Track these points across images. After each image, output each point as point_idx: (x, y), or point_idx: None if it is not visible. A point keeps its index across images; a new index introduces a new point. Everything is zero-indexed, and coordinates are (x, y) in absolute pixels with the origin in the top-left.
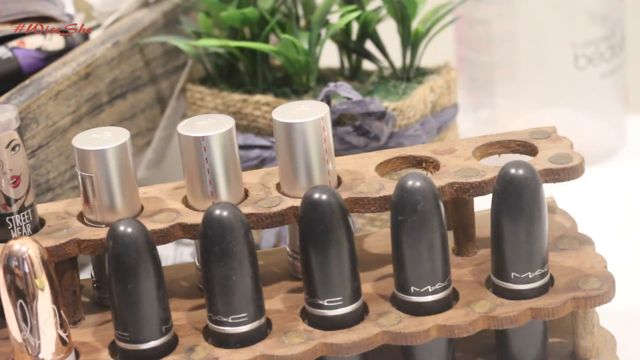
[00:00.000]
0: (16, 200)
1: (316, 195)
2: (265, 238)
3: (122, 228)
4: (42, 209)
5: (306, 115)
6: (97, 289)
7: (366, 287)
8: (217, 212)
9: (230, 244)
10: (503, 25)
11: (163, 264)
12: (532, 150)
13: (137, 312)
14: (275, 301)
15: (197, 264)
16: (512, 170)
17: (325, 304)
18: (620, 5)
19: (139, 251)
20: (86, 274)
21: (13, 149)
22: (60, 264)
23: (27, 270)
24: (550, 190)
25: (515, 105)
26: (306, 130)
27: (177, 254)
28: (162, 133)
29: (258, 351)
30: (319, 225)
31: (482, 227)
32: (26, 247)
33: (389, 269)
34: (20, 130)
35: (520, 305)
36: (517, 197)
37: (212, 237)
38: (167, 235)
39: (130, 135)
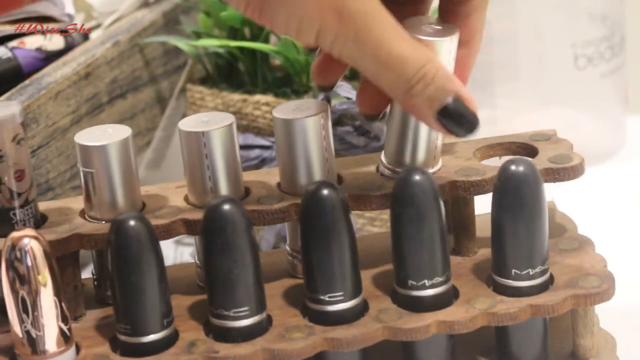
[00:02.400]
0: (20, 195)
1: (317, 189)
2: (265, 238)
3: (125, 221)
4: (44, 206)
5: (306, 112)
6: (98, 286)
7: (367, 285)
8: (219, 205)
9: (232, 237)
10: (503, 25)
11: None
12: (532, 152)
13: (139, 305)
14: (276, 298)
15: (197, 262)
16: (513, 167)
17: (327, 299)
18: (620, 5)
19: (142, 243)
20: (87, 273)
21: (18, 142)
22: (62, 259)
23: (29, 263)
24: (551, 194)
25: (515, 105)
26: (306, 128)
27: (177, 254)
28: (162, 133)
29: (259, 345)
30: (320, 220)
31: (483, 229)
32: (29, 239)
33: (389, 268)
34: (23, 125)
35: (520, 302)
36: (517, 193)
37: (213, 229)
38: (168, 231)
39: None
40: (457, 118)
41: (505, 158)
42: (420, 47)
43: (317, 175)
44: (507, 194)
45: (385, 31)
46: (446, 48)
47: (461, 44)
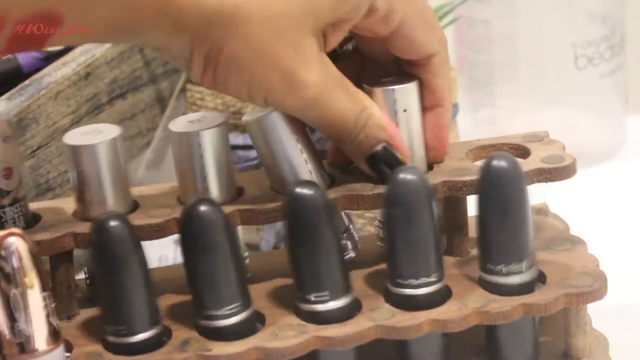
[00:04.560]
0: (9, 192)
1: (297, 189)
2: (265, 238)
3: (106, 221)
4: (37, 205)
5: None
6: (91, 285)
7: (360, 284)
8: (196, 207)
9: (210, 239)
10: (503, 25)
11: (163, 264)
12: (524, 153)
13: (123, 305)
14: (270, 298)
15: None
16: (493, 162)
17: (312, 298)
18: (620, 5)
19: (124, 243)
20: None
21: (4, 140)
22: (55, 258)
23: (14, 262)
24: (542, 195)
25: (515, 105)
26: (275, 124)
27: (177, 254)
28: (162, 133)
29: (251, 344)
30: (299, 219)
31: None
32: (14, 238)
33: (383, 267)
34: (12, 124)
35: (512, 301)
36: (496, 187)
37: (191, 232)
38: (162, 230)
39: (130, 135)
40: (385, 165)
41: None
42: (356, 98)
43: (295, 174)
44: (486, 188)
45: (330, 94)
46: (388, 97)
47: (431, 107)
